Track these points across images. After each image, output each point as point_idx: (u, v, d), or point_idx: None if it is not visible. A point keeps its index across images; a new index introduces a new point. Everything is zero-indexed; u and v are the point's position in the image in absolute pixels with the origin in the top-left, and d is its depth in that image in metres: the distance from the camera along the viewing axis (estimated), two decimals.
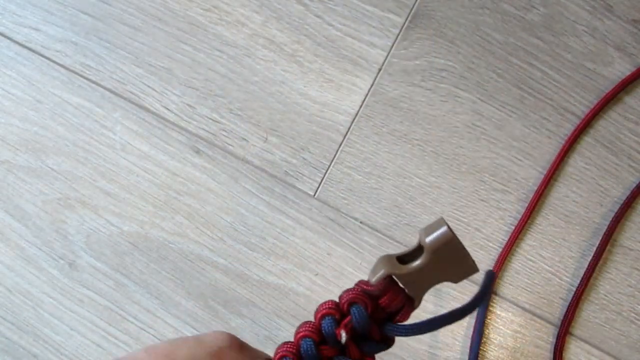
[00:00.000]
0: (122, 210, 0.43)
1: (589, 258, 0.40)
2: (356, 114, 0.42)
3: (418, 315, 0.23)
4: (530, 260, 0.41)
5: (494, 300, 0.41)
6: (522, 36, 0.42)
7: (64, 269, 0.43)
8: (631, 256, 0.40)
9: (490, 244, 0.41)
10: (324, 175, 0.42)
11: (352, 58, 0.43)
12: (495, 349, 0.40)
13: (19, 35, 0.45)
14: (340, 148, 0.42)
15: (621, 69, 0.41)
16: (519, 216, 0.41)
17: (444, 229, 0.20)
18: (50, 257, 0.43)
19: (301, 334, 0.22)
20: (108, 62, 0.44)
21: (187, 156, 0.43)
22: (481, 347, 0.40)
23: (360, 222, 0.42)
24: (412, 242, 0.41)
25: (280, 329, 0.41)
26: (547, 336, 0.40)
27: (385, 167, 0.42)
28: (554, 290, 0.40)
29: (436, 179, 0.42)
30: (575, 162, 0.41)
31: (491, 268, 0.41)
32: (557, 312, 0.40)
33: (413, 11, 0.43)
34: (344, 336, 0.21)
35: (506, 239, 0.41)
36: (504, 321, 0.40)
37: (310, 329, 0.22)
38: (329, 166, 0.42)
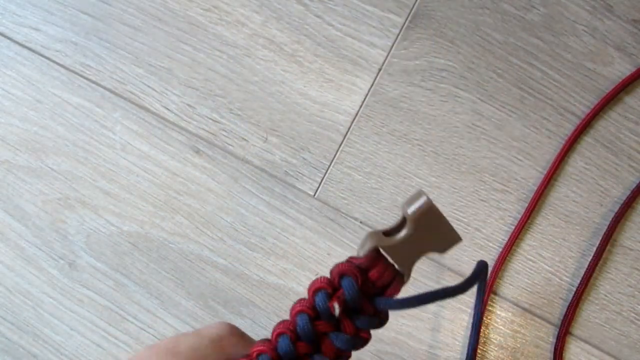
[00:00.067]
0: (122, 210, 0.43)
1: (589, 258, 0.40)
2: (356, 114, 0.42)
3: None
4: (530, 260, 0.41)
5: (494, 300, 0.41)
6: (522, 36, 0.42)
7: (64, 269, 0.43)
8: (631, 256, 0.40)
9: (490, 244, 0.41)
10: (324, 175, 0.42)
11: (352, 58, 0.43)
12: (495, 349, 0.40)
13: (19, 35, 0.45)
14: (340, 148, 0.42)
15: (621, 69, 0.41)
16: (519, 216, 0.41)
17: (423, 198, 0.21)
18: (50, 257, 0.43)
19: (296, 310, 0.22)
20: (108, 62, 0.44)
21: (187, 156, 0.43)
22: (481, 347, 0.40)
23: (360, 222, 0.42)
24: None
25: None
26: (547, 336, 0.40)
27: (385, 167, 0.42)
28: (554, 290, 0.40)
29: (436, 179, 0.42)
30: (575, 162, 0.41)
31: (491, 268, 0.41)
32: (557, 312, 0.40)
33: (413, 11, 0.43)
34: (337, 308, 0.21)
35: (506, 239, 0.41)
36: (504, 321, 0.40)
37: (305, 304, 0.22)
38: (329, 166, 0.42)
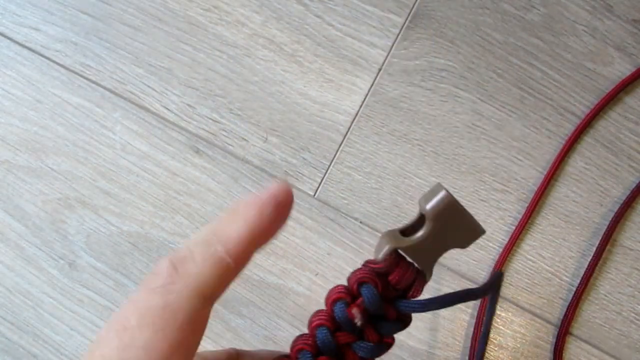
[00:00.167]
0: (122, 210, 0.43)
1: (589, 258, 0.40)
2: (356, 114, 0.42)
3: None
4: (530, 260, 0.41)
5: None
6: (522, 36, 0.42)
7: (64, 269, 0.43)
8: (631, 256, 0.40)
9: (490, 244, 0.41)
10: (324, 175, 0.42)
11: (352, 58, 0.43)
12: (495, 349, 0.40)
13: (19, 35, 0.45)
14: (340, 148, 0.42)
15: (621, 69, 0.41)
16: (519, 216, 0.41)
17: (442, 193, 0.20)
18: (50, 257, 0.43)
19: (315, 323, 0.21)
20: (108, 62, 0.44)
21: (187, 156, 0.43)
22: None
23: (360, 222, 0.42)
24: None
25: (280, 329, 0.41)
26: (547, 336, 0.40)
27: (385, 167, 0.42)
28: (554, 290, 0.40)
29: (436, 179, 0.42)
30: (575, 162, 0.41)
31: (491, 268, 0.41)
32: (557, 312, 0.40)
33: (413, 11, 0.43)
34: (358, 318, 0.20)
35: (506, 239, 0.41)
36: (504, 321, 0.40)
37: (323, 317, 0.21)
38: (329, 166, 0.42)
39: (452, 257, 0.41)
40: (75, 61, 0.45)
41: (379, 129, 0.42)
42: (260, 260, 0.42)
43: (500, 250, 0.41)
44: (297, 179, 0.42)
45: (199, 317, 0.18)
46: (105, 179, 0.43)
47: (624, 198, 0.40)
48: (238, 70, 0.43)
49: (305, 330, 0.22)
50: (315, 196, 0.42)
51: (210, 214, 0.42)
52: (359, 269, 0.21)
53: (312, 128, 0.43)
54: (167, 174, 0.43)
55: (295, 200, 0.42)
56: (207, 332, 0.19)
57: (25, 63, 0.45)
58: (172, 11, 0.44)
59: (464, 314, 0.41)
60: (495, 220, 0.41)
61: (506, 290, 0.41)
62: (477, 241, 0.41)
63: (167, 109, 0.44)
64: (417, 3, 0.43)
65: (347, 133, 0.42)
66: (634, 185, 0.40)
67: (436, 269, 0.40)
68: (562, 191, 0.41)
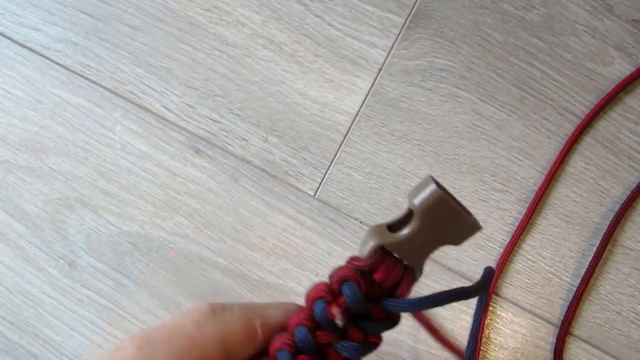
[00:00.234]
0: (122, 210, 0.43)
1: (589, 258, 0.40)
2: (356, 114, 0.42)
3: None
4: (531, 260, 0.41)
5: (494, 300, 0.41)
6: (522, 36, 0.42)
7: (64, 269, 0.43)
8: (631, 256, 0.40)
9: (491, 244, 0.41)
10: (324, 175, 0.42)
11: (352, 58, 0.43)
12: (496, 349, 0.40)
13: (19, 35, 0.45)
14: (341, 148, 0.42)
15: (621, 69, 0.41)
16: (519, 216, 0.41)
17: (431, 187, 0.18)
18: (50, 257, 0.43)
19: (294, 321, 0.20)
20: (108, 62, 0.44)
21: (187, 156, 0.43)
22: (481, 347, 0.40)
23: (360, 222, 0.42)
24: None
25: None
26: (547, 336, 0.40)
27: (385, 167, 0.42)
28: (554, 290, 0.40)
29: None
30: (575, 162, 0.41)
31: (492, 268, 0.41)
32: (557, 312, 0.40)
33: (413, 11, 0.43)
34: (339, 317, 0.19)
35: (506, 239, 0.41)
36: (504, 321, 0.40)
37: (303, 316, 0.20)
38: (329, 166, 0.42)
39: (452, 257, 0.41)
40: (75, 61, 0.45)
41: (379, 129, 0.42)
42: (260, 260, 0.42)
43: (501, 250, 0.41)
44: (297, 179, 0.42)
45: None
46: (105, 179, 0.43)
47: (624, 198, 0.40)
48: (238, 70, 0.43)
49: None
50: (316, 196, 0.42)
51: (210, 214, 0.42)
52: (341, 267, 0.20)
53: (312, 128, 0.43)
54: (167, 174, 0.43)
55: (296, 200, 0.42)
56: None
57: (25, 63, 0.45)
58: (172, 11, 0.44)
59: (465, 314, 0.40)
60: (496, 220, 0.41)
61: (506, 290, 0.41)
62: (478, 241, 0.41)
63: (167, 109, 0.44)
64: (417, 3, 0.43)
65: (347, 133, 0.42)
66: (634, 185, 0.40)
67: (436, 269, 0.40)
68: (562, 191, 0.41)
